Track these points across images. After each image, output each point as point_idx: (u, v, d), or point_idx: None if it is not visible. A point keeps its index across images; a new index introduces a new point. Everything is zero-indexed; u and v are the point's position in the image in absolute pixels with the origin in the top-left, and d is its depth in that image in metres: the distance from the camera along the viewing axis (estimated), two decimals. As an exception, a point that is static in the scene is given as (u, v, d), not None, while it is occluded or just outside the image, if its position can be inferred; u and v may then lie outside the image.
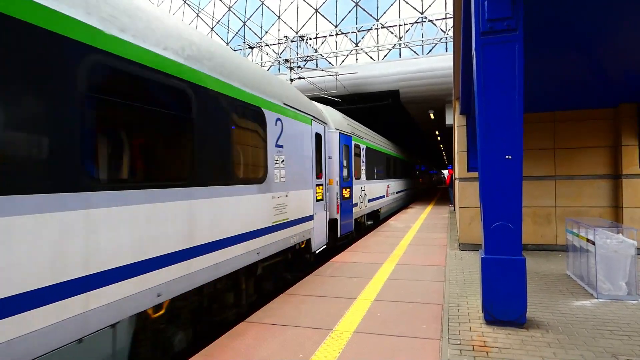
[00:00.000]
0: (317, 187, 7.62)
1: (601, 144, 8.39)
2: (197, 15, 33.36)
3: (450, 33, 20.09)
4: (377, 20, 26.78)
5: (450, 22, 21.22)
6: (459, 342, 3.82)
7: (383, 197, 15.74)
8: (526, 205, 8.24)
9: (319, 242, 7.75)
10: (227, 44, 30.87)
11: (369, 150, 13.18)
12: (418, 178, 33.32)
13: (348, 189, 10.04)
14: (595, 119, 8.42)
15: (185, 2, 33.70)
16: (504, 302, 4.15)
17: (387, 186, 16.86)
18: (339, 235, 9.19)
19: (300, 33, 27.37)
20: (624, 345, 3.71)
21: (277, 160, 5.70)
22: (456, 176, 10.38)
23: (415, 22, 21.66)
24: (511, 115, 4.12)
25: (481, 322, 4.32)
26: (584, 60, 6.30)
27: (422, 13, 25.33)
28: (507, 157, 4.13)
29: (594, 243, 5.17)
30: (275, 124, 5.70)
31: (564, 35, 5.33)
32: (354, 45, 25.06)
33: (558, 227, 8.49)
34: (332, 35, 23.38)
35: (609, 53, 5.98)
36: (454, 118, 10.66)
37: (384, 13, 26.97)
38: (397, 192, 19.88)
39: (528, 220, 8.50)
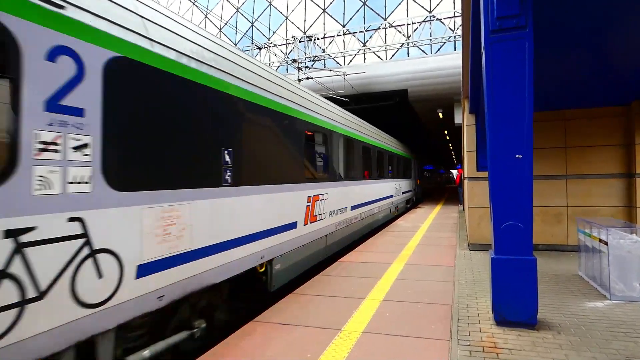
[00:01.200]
0: None
1: (613, 142, 8.25)
2: (206, 17, 33.56)
3: (459, 32, 19.94)
4: (385, 19, 26.68)
5: (458, 20, 21.07)
6: (468, 343, 3.79)
7: (283, 230, 6.01)
8: (537, 205, 8.14)
9: None
10: (236, 44, 31.00)
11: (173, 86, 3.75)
12: (416, 178, 24.53)
13: None
14: (607, 116, 8.28)
15: (193, 3, 33.93)
16: (515, 303, 4.10)
17: (311, 200, 7.13)
18: None
19: (307, 33, 27.38)
20: (639, 347, 3.64)
21: None
22: (465, 175, 10.30)
23: (424, 21, 21.56)
24: (521, 114, 4.07)
25: (491, 323, 4.27)
26: (594, 59, 6.20)
27: (430, 12, 25.17)
28: (517, 156, 4.08)
29: (606, 243, 5.09)
30: None
31: (573, 33, 5.25)
32: (362, 44, 25.01)
33: (569, 227, 8.37)
34: (340, 35, 23.36)
35: (619, 51, 5.88)
36: (463, 117, 10.57)
37: (392, 12, 26.86)
38: (358, 208, 10.49)
39: (538, 220, 8.39)
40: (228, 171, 4.56)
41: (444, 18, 21.24)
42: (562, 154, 8.51)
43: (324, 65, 21.10)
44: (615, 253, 5.01)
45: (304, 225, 6.83)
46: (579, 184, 8.41)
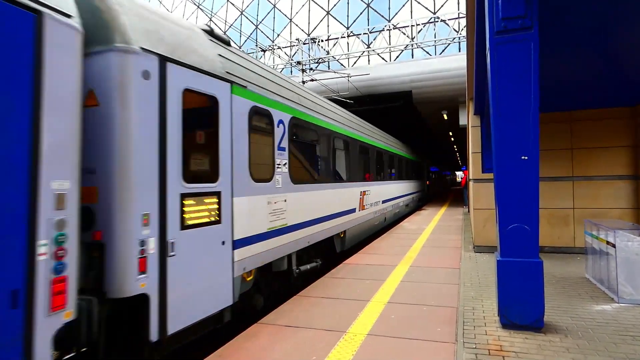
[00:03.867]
0: None
1: (620, 144, 8.18)
2: (210, 20, 33.73)
3: (463, 33, 19.90)
4: (389, 21, 26.68)
5: (463, 21, 21.03)
6: (474, 346, 3.76)
7: None
8: (543, 207, 8.07)
9: None
10: (240, 47, 31.15)
11: None
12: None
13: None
14: (614, 118, 8.22)
15: (198, 7, 34.13)
16: (521, 306, 4.07)
17: None
18: None
19: (312, 35, 27.44)
20: (647, 351, 3.60)
21: None
22: (470, 177, 10.25)
23: (428, 22, 21.52)
24: (526, 115, 4.04)
25: (497, 326, 4.24)
26: (600, 59, 6.16)
27: (434, 13, 25.14)
28: (522, 157, 4.05)
29: (614, 246, 5.04)
30: None
31: (578, 33, 5.22)
32: (366, 46, 25.01)
33: (576, 229, 8.30)
34: (344, 37, 23.38)
35: (626, 51, 5.83)
36: (468, 118, 10.54)
37: (396, 14, 26.86)
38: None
39: (545, 222, 8.33)
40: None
41: (448, 19, 21.19)
42: (569, 155, 8.45)
43: (328, 67, 21.10)
44: (623, 255, 4.96)
45: None
46: (585, 185, 8.34)
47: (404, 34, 22.91)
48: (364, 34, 23.61)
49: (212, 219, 4.14)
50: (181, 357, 4.10)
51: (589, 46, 5.66)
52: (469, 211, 15.65)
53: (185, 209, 3.77)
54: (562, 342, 3.80)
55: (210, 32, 4.62)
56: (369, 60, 25.41)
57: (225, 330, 5.05)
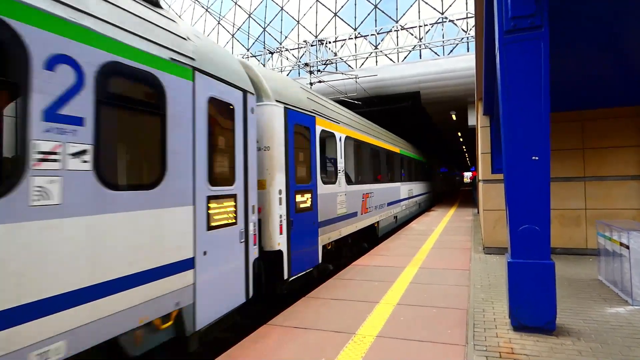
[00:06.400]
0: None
1: (633, 143, 8.05)
2: (219, 23, 33.97)
3: (472, 33, 19.78)
4: (397, 22, 26.61)
5: (471, 21, 20.89)
6: (484, 349, 3.72)
7: None
8: (554, 208, 7.96)
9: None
10: (248, 49, 31.32)
11: None
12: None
13: None
14: (625, 117, 8.09)
15: (206, 10, 34.37)
16: (532, 308, 4.02)
17: None
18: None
19: (319, 37, 27.48)
20: (662, 354, 3.53)
21: None
22: (480, 178, 10.18)
23: (436, 23, 21.41)
24: (537, 115, 4.00)
25: (508, 329, 4.19)
26: (612, 57, 6.08)
27: (442, 13, 25.01)
28: (533, 158, 4.01)
29: (628, 247, 4.96)
30: None
31: (589, 31, 5.16)
32: (374, 47, 24.97)
33: (588, 230, 8.18)
34: (352, 39, 23.37)
35: (637, 50, 5.74)
36: (477, 119, 10.46)
37: (404, 14, 26.78)
38: None
39: (556, 223, 8.23)
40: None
41: (457, 19, 21.05)
42: (580, 155, 8.34)
43: (336, 68, 21.11)
44: (636, 257, 4.87)
45: None
46: (597, 186, 8.22)
47: (412, 34, 22.85)
48: (371, 35, 23.57)
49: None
50: (190, 358, 4.12)
51: (599, 45, 5.59)
52: (478, 212, 15.53)
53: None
54: (575, 345, 3.74)
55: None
56: (376, 62, 25.37)
57: (235, 331, 5.07)
